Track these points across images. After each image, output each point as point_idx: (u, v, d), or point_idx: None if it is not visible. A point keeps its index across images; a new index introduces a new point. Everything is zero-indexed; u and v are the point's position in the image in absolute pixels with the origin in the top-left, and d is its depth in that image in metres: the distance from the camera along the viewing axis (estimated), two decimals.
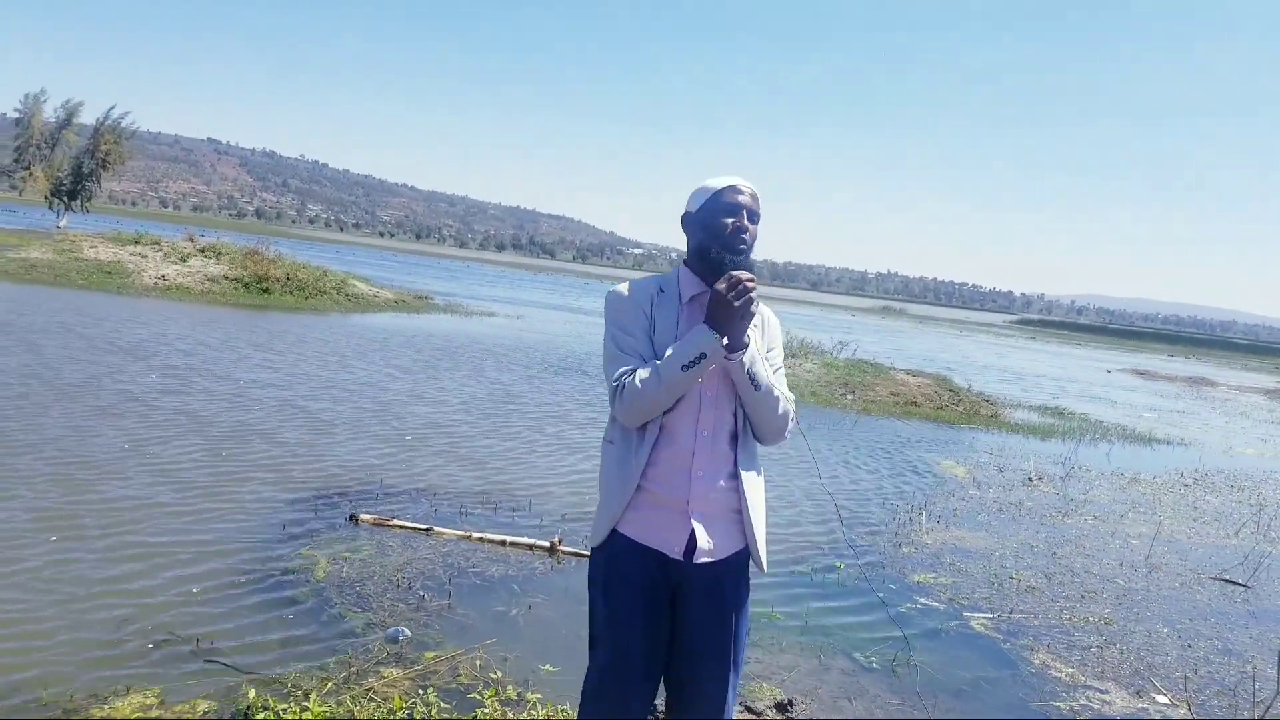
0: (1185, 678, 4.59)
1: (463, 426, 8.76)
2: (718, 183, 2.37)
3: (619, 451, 2.34)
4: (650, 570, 2.32)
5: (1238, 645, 5.18)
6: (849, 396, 14.50)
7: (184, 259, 20.65)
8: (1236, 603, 5.99)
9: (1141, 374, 33.64)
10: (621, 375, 2.25)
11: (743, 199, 2.34)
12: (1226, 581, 6.41)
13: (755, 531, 2.38)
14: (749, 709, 3.72)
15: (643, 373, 2.23)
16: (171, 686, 3.38)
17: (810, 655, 4.38)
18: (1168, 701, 4.28)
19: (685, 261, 2.45)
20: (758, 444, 2.45)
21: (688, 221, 2.42)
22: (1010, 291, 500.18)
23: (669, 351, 2.24)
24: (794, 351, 17.32)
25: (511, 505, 6.30)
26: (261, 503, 5.69)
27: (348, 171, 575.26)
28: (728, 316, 2.20)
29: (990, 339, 53.71)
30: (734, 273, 2.22)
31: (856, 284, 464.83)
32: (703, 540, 2.31)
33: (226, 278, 19.67)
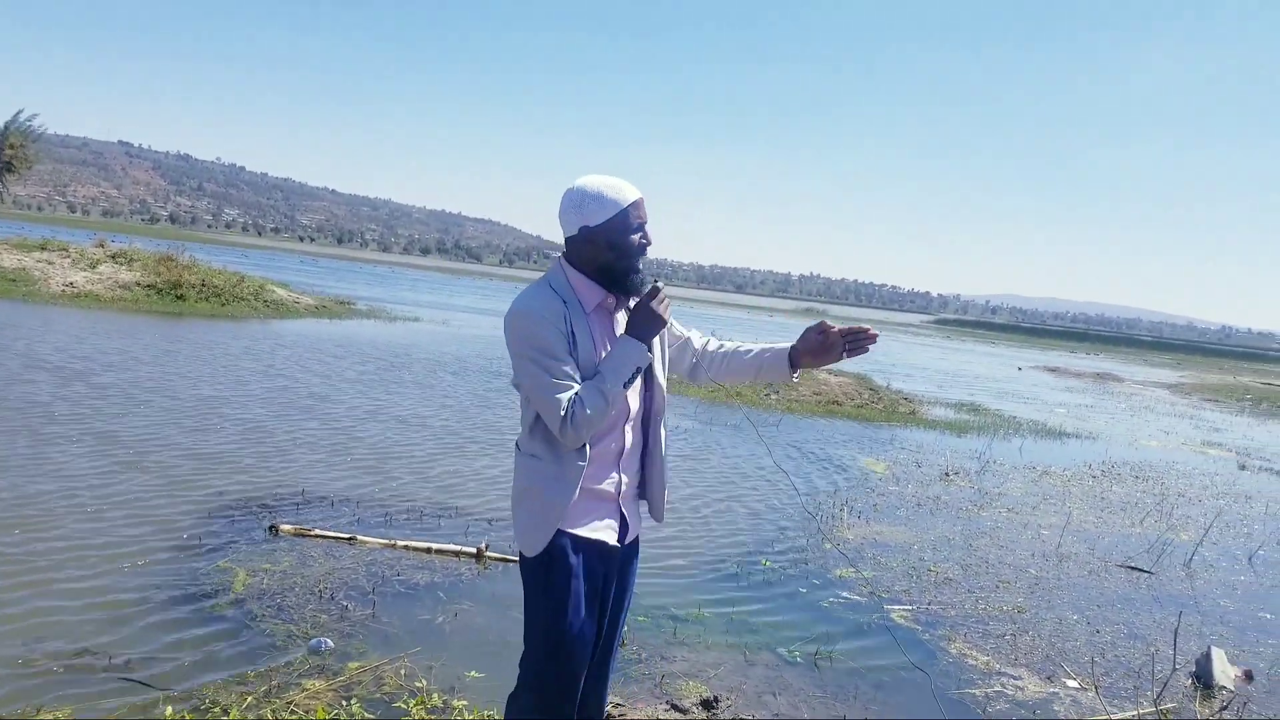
0: (1093, 661, 4.78)
1: (386, 433, 8.65)
2: (621, 195, 2.31)
3: (549, 468, 2.35)
4: (589, 562, 2.41)
5: (1142, 629, 5.41)
6: (773, 396, 14.71)
7: (93, 265, 19.94)
8: (1141, 589, 6.26)
9: (1052, 370, 34.80)
10: (570, 403, 2.22)
11: (644, 212, 2.37)
12: (1132, 569, 6.69)
13: (660, 498, 2.59)
14: (675, 706, 3.76)
15: (588, 397, 2.24)
16: (84, 706, 3.28)
17: (735, 652, 4.44)
18: (1077, 685, 4.45)
19: (570, 263, 2.39)
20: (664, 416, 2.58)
21: (590, 234, 2.32)
22: (928, 292, 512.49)
23: (608, 374, 2.29)
24: None
25: (437, 512, 6.25)
26: (177, 515, 5.54)
27: (266, 175, 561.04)
28: (651, 328, 2.36)
29: (909, 338, 54.97)
30: (659, 287, 2.37)
31: (781, 286, 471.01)
32: (631, 523, 2.52)
33: (139, 284, 19.06)
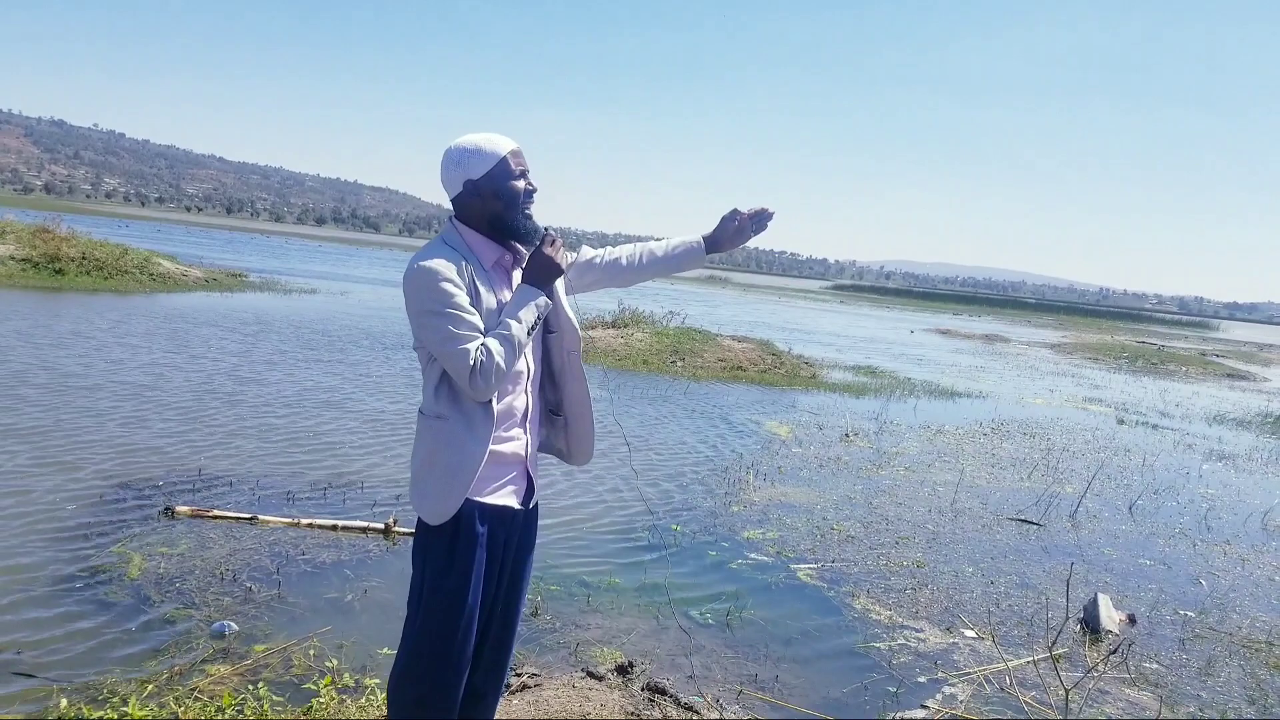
0: (989, 612, 5.00)
1: (284, 409, 8.40)
2: (498, 146, 2.37)
3: (457, 425, 2.33)
4: (492, 526, 2.41)
5: (1033, 579, 5.68)
6: (679, 364, 14.83)
7: None
8: (1031, 540, 6.57)
9: (944, 333, 35.99)
10: (476, 353, 2.22)
11: (524, 160, 2.43)
12: (1022, 521, 7.01)
13: (588, 439, 2.62)
14: (590, 674, 3.79)
15: (495, 346, 2.25)
16: None
17: (649, 616, 4.50)
18: (974, 635, 4.66)
19: (462, 221, 2.40)
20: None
21: (475, 187, 2.35)
22: (825, 259, 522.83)
23: (511, 321, 2.31)
24: (625, 321, 17.54)
25: (341, 488, 6.12)
26: (63, 500, 5.28)
27: (148, 142, 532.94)
28: (549, 274, 2.41)
29: (808, 304, 56.05)
30: (551, 234, 2.42)
31: None
32: (534, 485, 2.54)
33: (13, 258, 17.97)
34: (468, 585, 2.36)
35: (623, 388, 12.08)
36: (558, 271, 2.41)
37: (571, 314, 2.55)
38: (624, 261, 2.74)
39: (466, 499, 2.34)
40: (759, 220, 2.74)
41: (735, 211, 2.73)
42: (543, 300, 2.38)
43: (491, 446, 2.35)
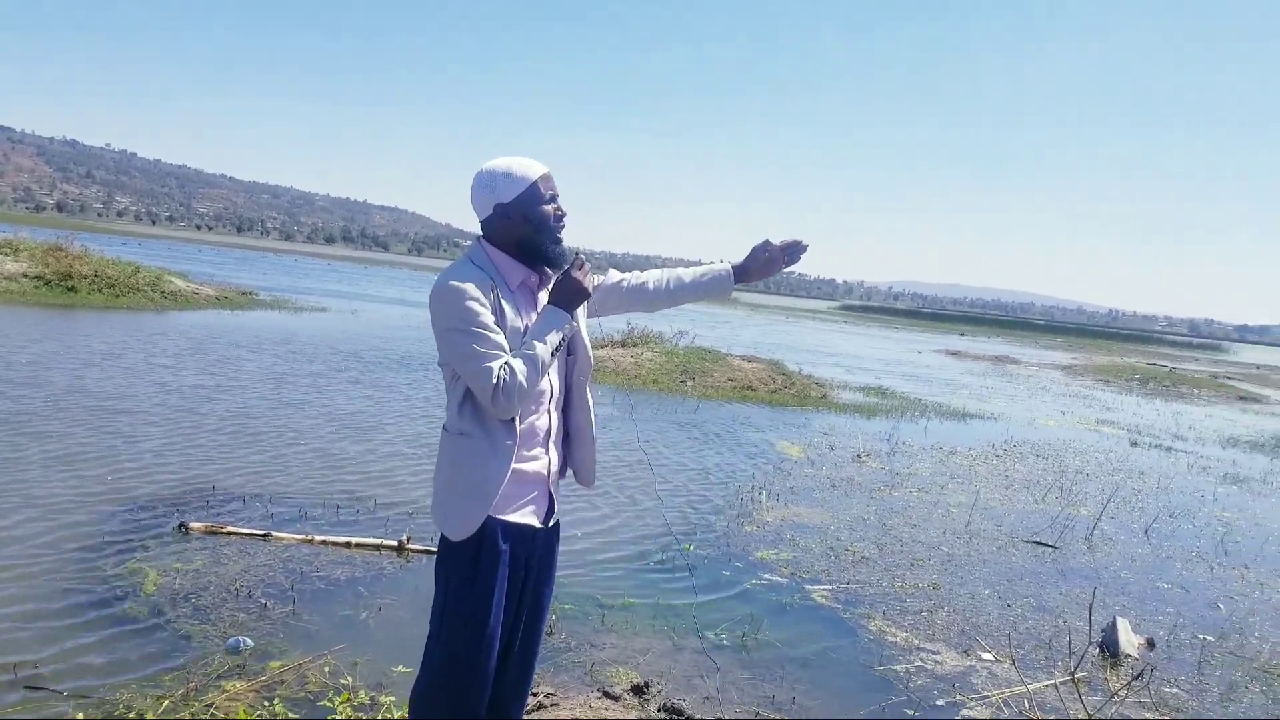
0: (1007, 635, 4.96)
1: (297, 426, 8.41)
2: (529, 170, 2.40)
3: (479, 444, 2.34)
4: (515, 546, 2.41)
5: (1050, 602, 5.63)
6: (689, 383, 14.82)
7: None
8: (1047, 563, 6.51)
9: (954, 354, 35.90)
10: (500, 371, 2.24)
11: (554, 185, 2.44)
12: (1038, 544, 6.96)
13: (590, 462, 2.61)
14: (607, 694, 3.77)
15: (519, 365, 2.26)
16: None
17: (664, 637, 4.47)
18: (992, 658, 4.61)
19: (490, 243, 2.43)
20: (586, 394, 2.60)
21: (505, 210, 2.39)
22: (834, 279, 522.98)
23: (536, 342, 2.32)
24: (635, 340, 17.55)
25: (354, 505, 6.12)
26: (80, 515, 5.28)
27: (160, 161, 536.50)
28: (575, 298, 2.41)
29: (817, 324, 56.00)
30: (580, 258, 2.42)
31: None
32: (556, 505, 2.54)
33: (26, 275, 18.07)
34: (490, 603, 2.36)
35: (634, 407, 12.07)
36: (585, 295, 2.43)
37: (587, 340, 2.57)
38: (650, 287, 2.73)
39: (489, 516, 2.34)
40: (792, 252, 2.72)
41: (767, 242, 2.71)
42: (567, 322, 2.39)
43: (515, 465, 2.36)
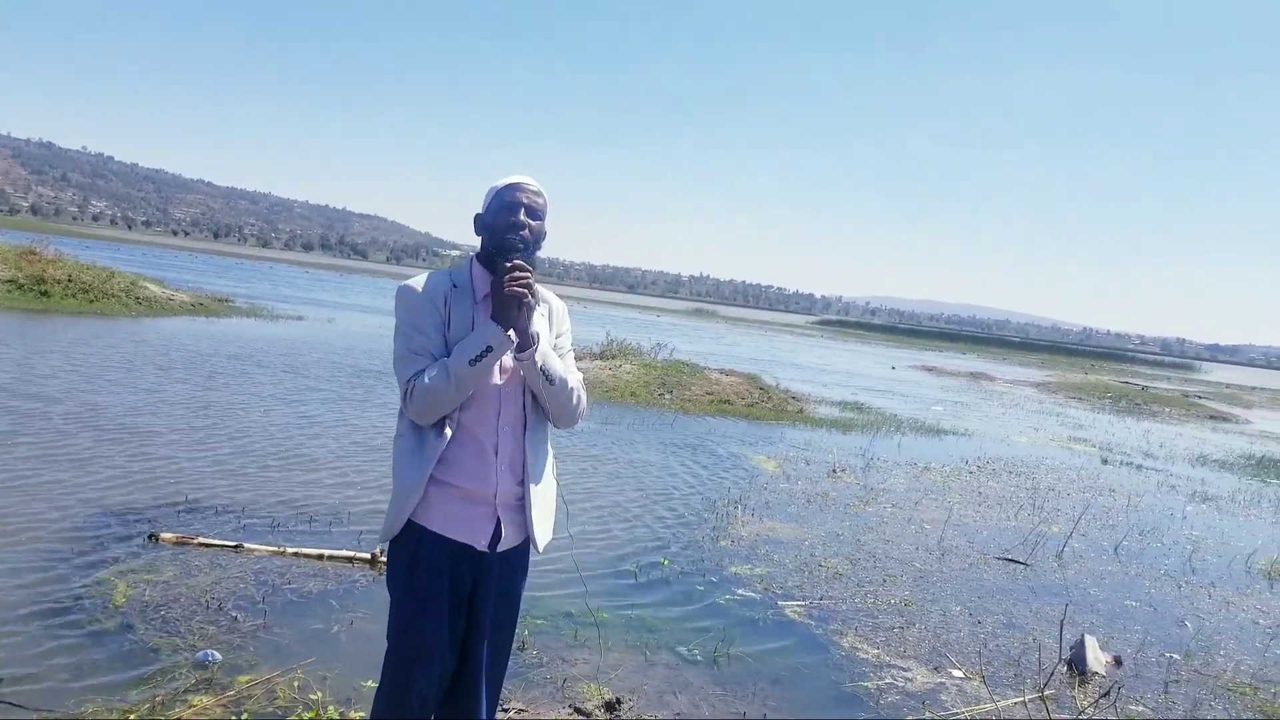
0: (977, 652, 4.99)
1: (270, 436, 8.35)
2: (501, 181, 2.43)
3: (410, 444, 2.35)
4: (454, 563, 2.37)
5: (1021, 619, 5.68)
6: (667, 396, 14.84)
7: None
8: (1019, 580, 6.57)
9: (929, 370, 36.15)
10: (413, 376, 2.28)
11: (523, 196, 2.40)
12: (1009, 560, 7.01)
13: (542, 518, 2.48)
14: (578, 710, 3.76)
15: (433, 371, 2.26)
16: None
17: (636, 652, 4.47)
18: (962, 675, 4.65)
19: (477, 256, 2.48)
20: (549, 429, 2.56)
21: (478, 222, 2.46)
22: (812, 294, 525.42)
23: (455, 349, 2.30)
24: (613, 353, 17.56)
25: (328, 516, 6.08)
26: (48, 525, 5.21)
27: (136, 165, 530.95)
28: (507, 307, 2.29)
29: (794, 338, 56.22)
30: (508, 263, 2.31)
31: (671, 286, 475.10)
32: (506, 531, 2.43)
33: None
34: (425, 616, 2.34)
35: (611, 420, 12.07)
36: (512, 304, 2.27)
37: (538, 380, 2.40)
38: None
39: (426, 529, 2.34)
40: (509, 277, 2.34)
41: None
42: (496, 334, 2.27)
43: (457, 481, 2.34)
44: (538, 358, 2.35)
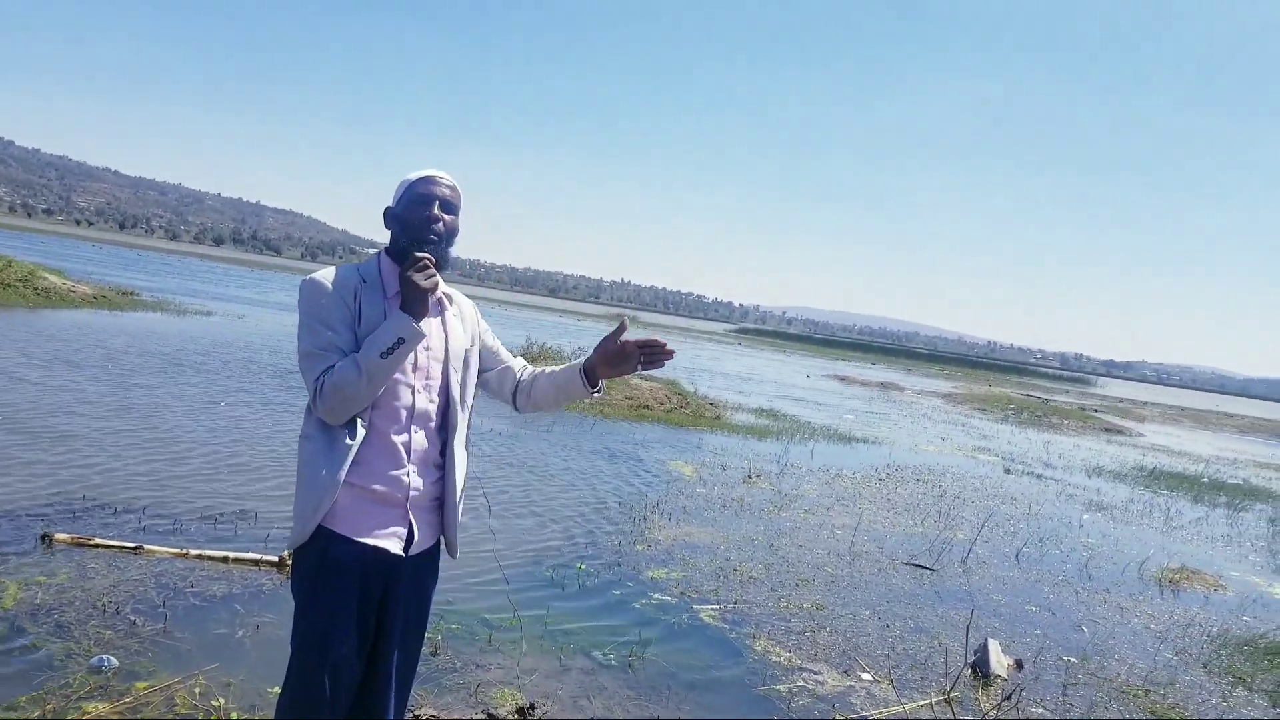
0: (886, 655, 5.10)
1: (176, 434, 8.07)
2: (413, 174, 2.38)
3: (318, 445, 2.26)
4: (364, 568, 2.29)
5: (927, 623, 5.83)
6: (586, 400, 14.81)
7: None
8: (925, 585, 6.74)
9: (842, 379, 36.88)
10: (322, 373, 2.19)
11: (438, 190, 2.35)
12: (917, 566, 7.19)
13: (455, 519, 2.45)
14: (491, 715, 3.72)
15: (341, 366, 2.18)
16: None
17: (551, 657, 4.45)
18: (871, 678, 4.74)
19: (387, 251, 2.41)
20: (467, 427, 2.51)
21: (388, 215, 2.40)
22: (730, 302, 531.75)
23: (364, 344, 2.22)
24: (534, 356, 17.46)
25: (234, 518, 5.90)
26: None
27: (38, 151, 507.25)
28: (415, 297, 2.25)
29: (714, 346, 56.78)
30: (419, 258, 2.27)
31: (592, 292, 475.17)
32: (419, 534, 2.37)
33: None
34: (331, 625, 2.25)
35: (529, 423, 12.00)
36: (419, 293, 2.25)
37: (458, 379, 2.45)
38: (527, 382, 2.68)
39: (334, 533, 2.25)
40: (652, 355, 2.52)
41: (617, 331, 2.54)
42: (407, 325, 2.22)
43: (368, 483, 2.27)
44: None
